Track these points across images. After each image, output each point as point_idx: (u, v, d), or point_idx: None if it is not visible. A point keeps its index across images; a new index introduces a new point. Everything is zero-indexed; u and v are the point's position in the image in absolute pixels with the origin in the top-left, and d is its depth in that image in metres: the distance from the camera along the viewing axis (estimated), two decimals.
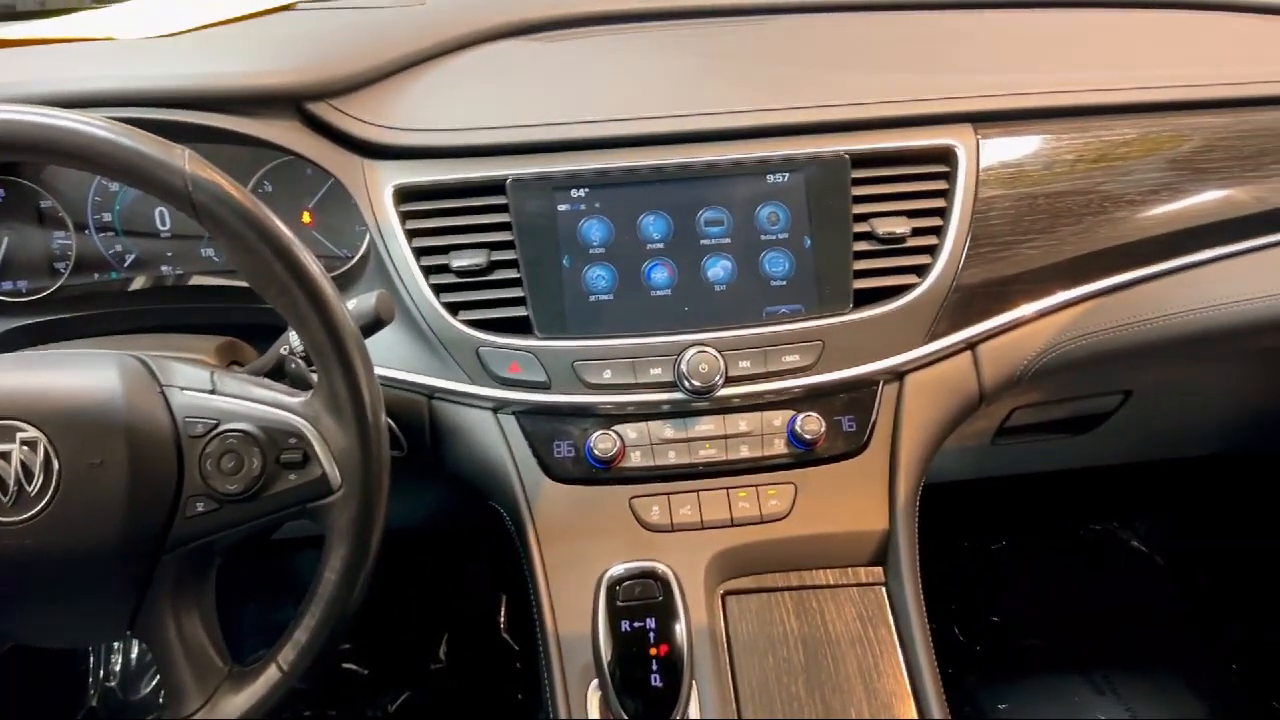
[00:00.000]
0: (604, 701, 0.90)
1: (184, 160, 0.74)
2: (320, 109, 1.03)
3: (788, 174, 1.03)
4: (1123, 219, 1.09)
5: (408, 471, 0.94)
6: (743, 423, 1.02)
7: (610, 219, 1.02)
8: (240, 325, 1.07)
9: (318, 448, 0.80)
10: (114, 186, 1.12)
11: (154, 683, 1.72)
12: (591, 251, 1.02)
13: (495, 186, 1.02)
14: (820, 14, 1.22)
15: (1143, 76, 1.12)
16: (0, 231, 1.11)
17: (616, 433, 1.00)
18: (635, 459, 1.00)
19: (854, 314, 1.02)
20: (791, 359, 1.01)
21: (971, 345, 1.07)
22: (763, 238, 1.03)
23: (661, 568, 0.92)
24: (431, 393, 1.03)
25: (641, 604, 0.90)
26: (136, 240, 1.14)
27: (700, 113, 1.05)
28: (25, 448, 0.76)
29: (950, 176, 1.05)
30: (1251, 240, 1.14)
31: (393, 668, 1.76)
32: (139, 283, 1.14)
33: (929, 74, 1.10)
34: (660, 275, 1.02)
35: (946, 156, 1.05)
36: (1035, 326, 1.09)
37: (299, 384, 0.89)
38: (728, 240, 1.03)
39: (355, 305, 0.85)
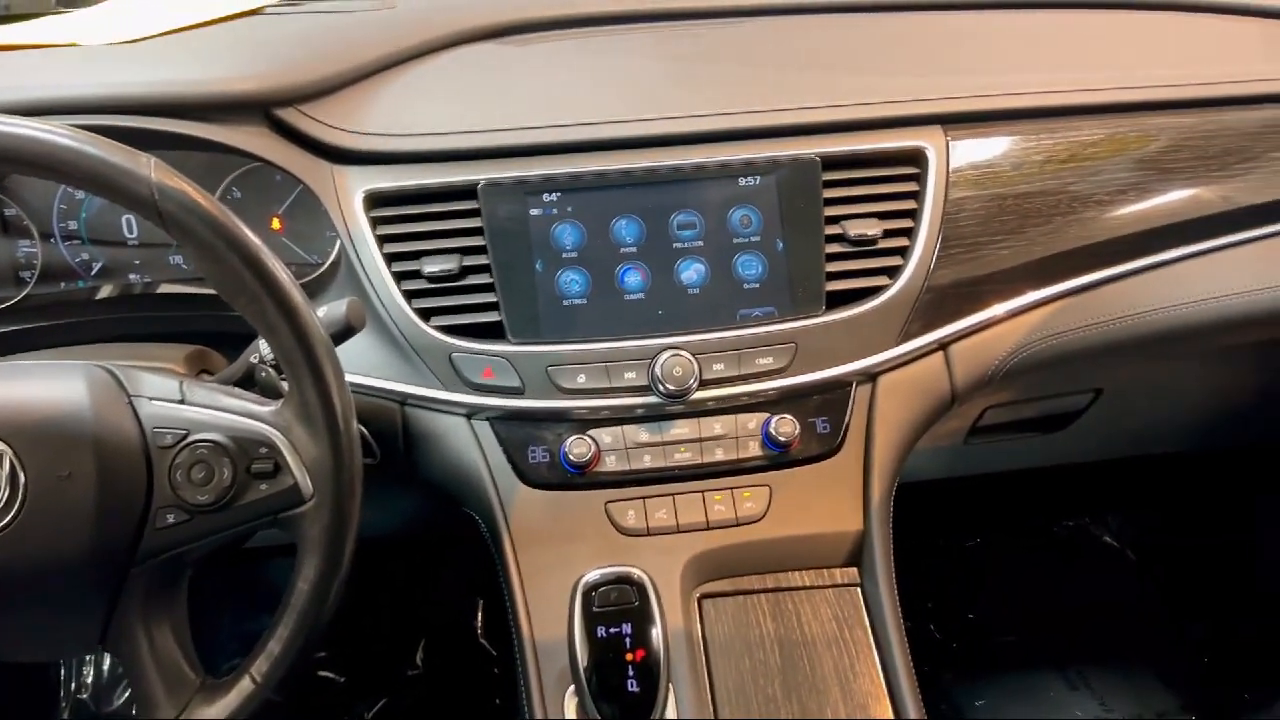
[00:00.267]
0: (581, 706, 0.90)
1: (150, 168, 0.74)
2: (289, 114, 1.02)
3: (759, 177, 1.03)
4: (1091, 219, 1.10)
5: (381, 479, 0.93)
6: (717, 426, 1.02)
7: (583, 223, 1.02)
8: (210, 333, 1.06)
9: (289, 457, 0.79)
10: (80, 194, 1.11)
11: (126, 695, 1.70)
12: (564, 256, 1.01)
13: (467, 191, 1.01)
14: (791, 16, 1.22)
15: (1110, 77, 1.13)
16: None
17: (591, 437, 1.00)
18: (610, 463, 1.00)
19: (827, 316, 1.02)
20: (765, 361, 1.01)
21: (943, 345, 1.07)
22: (735, 241, 1.03)
23: (637, 573, 0.92)
24: (404, 399, 1.02)
25: (617, 609, 0.90)
26: (103, 248, 1.13)
27: (672, 116, 1.05)
28: None
29: (921, 178, 1.05)
30: (1218, 239, 1.15)
31: (369, 675, 1.75)
32: (106, 291, 1.13)
33: (899, 76, 1.11)
34: (633, 279, 1.02)
35: (917, 158, 1.06)
36: (1006, 326, 1.09)
37: (269, 393, 0.88)
38: (700, 243, 1.03)
39: (326, 313, 0.85)
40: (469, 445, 1.01)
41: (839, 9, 1.23)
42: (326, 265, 1.13)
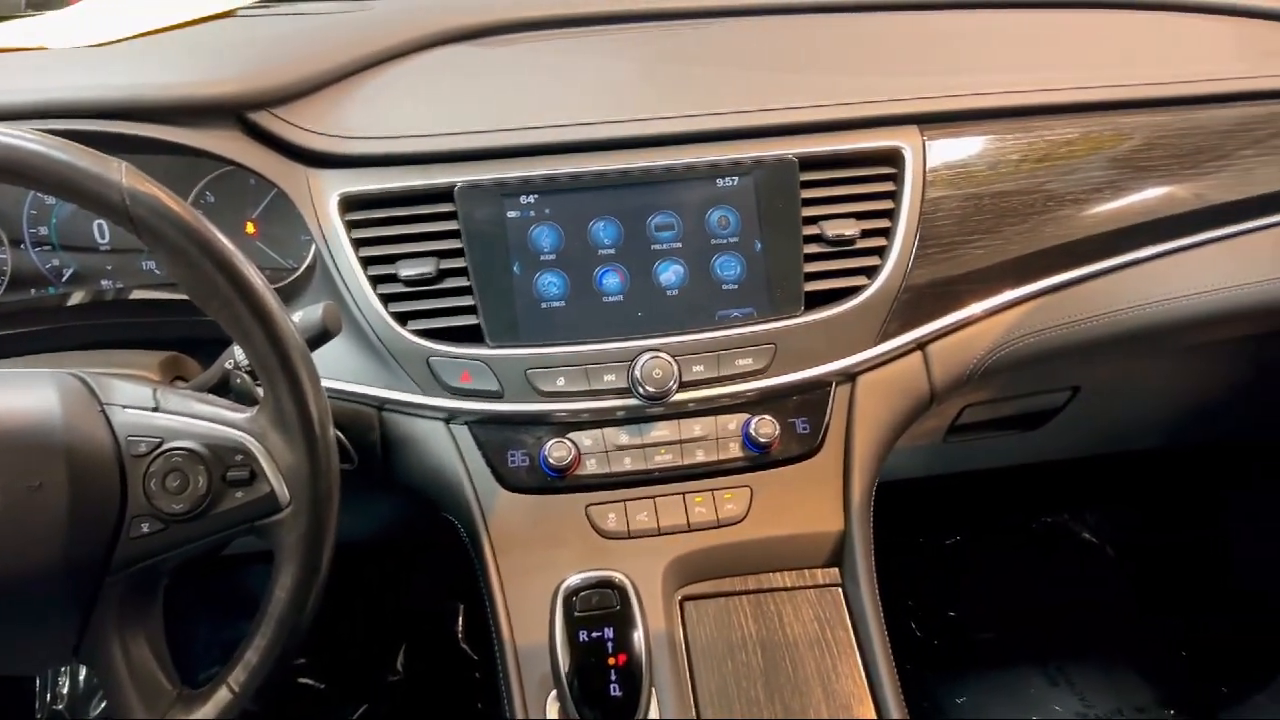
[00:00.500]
0: (563, 711, 0.90)
1: (121, 173, 0.73)
2: (262, 118, 1.01)
3: (737, 178, 1.03)
4: (1067, 217, 1.11)
5: (359, 484, 0.93)
6: (697, 427, 1.02)
7: (560, 225, 1.01)
8: (184, 339, 1.05)
9: (265, 464, 0.79)
10: (50, 200, 1.10)
11: (103, 706, 1.68)
12: (542, 258, 1.01)
13: (443, 194, 1.00)
14: (767, 17, 1.22)
15: (1085, 76, 1.14)
16: None
17: (571, 441, 0.99)
18: (590, 466, 1.00)
19: (805, 316, 1.02)
20: (744, 362, 1.01)
21: (922, 345, 1.08)
22: (713, 242, 1.03)
23: (619, 576, 0.92)
24: (381, 404, 1.01)
25: (599, 613, 0.89)
26: (74, 254, 1.12)
27: (649, 117, 1.04)
28: None
29: (898, 178, 1.06)
30: (1192, 236, 1.16)
31: (350, 681, 1.74)
32: (78, 298, 1.12)
33: (875, 76, 1.11)
34: (612, 281, 1.02)
35: (893, 158, 1.06)
36: (984, 325, 1.10)
37: (244, 399, 0.87)
38: (679, 245, 1.02)
39: (301, 317, 0.84)
40: (448, 450, 1.01)
41: (816, 9, 1.23)
42: (302, 269, 1.12)
